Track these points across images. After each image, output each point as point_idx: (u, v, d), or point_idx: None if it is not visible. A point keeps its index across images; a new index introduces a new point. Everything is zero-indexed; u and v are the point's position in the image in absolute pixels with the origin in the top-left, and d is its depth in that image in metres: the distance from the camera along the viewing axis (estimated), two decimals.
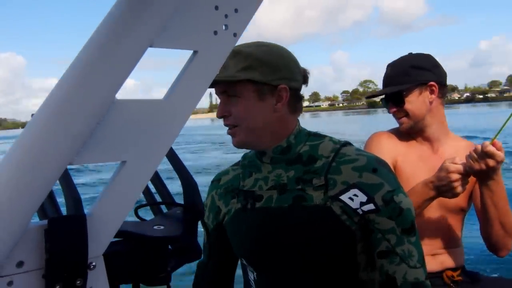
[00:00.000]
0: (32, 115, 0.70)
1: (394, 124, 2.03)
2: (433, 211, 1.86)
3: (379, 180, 1.20)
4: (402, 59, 1.99)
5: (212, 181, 1.51)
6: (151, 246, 0.70)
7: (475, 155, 1.60)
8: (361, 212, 1.20)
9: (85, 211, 0.62)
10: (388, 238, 1.19)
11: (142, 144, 0.61)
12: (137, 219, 0.79)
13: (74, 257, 0.57)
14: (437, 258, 1.89)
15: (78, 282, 0.58)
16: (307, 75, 1.35)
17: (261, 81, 1.24)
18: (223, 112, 1.28)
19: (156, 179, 0.81)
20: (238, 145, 1.31)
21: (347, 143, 1.32)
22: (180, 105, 0.63)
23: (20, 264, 0.55)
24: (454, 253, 1.93)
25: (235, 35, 0.66)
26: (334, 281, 1.25)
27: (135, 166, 0.61)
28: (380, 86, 2.17)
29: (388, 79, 1.99)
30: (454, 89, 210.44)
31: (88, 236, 0.58)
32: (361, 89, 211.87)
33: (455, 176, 1.62)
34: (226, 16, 0.65)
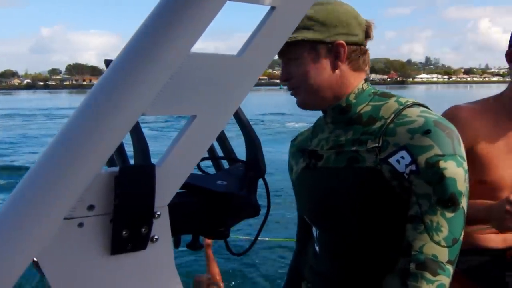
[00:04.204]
0: (105, 60, 0.71)
1: None
2: None
3: (430, 142, 1.12)
4: None
5: (291, 141, 1.54)
6: (214, 200, 0.71)
7: None
8: (406, 177, 1.14)
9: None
10: (420, 204, 1.12)
11: (214, 99, 0.60)
12: (199, 172, 0.80)
13: (141, 205, 0.59)
14: (500, 236, 1.78)
15: (143, 229, 0.59)
16: (370, 28, 1.30)
17: (316, 40, 1.23)
18: (286, 76, 1.28)
19: (220, 134, 0.81)
20: (302, 105, 1.31)
21: (415, 104, 1.24)
22: (254, 61, 0.62)
23: (90, 207, 0.57)
24: None
25: None
26: (391, 245, 1.20)
27: (205, 121, 0.61)
28: None
29: None
30: (14, 74, 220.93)
31: (155, 185, 0.59)
32: None
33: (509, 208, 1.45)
34: None
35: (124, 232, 0.58)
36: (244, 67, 0.61)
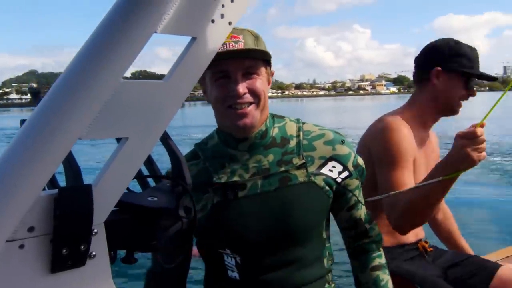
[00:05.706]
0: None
1: None
2: None
3: (348, 150, 1.39)
4: None
5: None
6: (147, 216, 0.74)
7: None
8: (340, 181, 1.37)
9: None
10: (355, 194, 1.43)
11: (144, 121, 0.66)
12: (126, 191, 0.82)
13: (80, 224, 0.62)
14: (414, 232, 2.04)
15: (83, 247, 0.62)
16: None
17: (269, 65, 1.35)
18: (245, 89, 1.26)
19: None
20: (250, 125, 1.28)
21: (302, 121, 1.43)
22: (179, 87, 0.68)
23: (31, 229, 0.59)
24: (423, 227, 2.16)
25: (230, 23, 0.73)
26: (313, 245, 1.37)
27: (137, 142, 0.66)
28: None
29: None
30: None
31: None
32: None
33: (483, 137, 1.51)
34: (223, 5, 0.71)
35: (64, 251, 0.61)
36: (170, 92, 0.68)
